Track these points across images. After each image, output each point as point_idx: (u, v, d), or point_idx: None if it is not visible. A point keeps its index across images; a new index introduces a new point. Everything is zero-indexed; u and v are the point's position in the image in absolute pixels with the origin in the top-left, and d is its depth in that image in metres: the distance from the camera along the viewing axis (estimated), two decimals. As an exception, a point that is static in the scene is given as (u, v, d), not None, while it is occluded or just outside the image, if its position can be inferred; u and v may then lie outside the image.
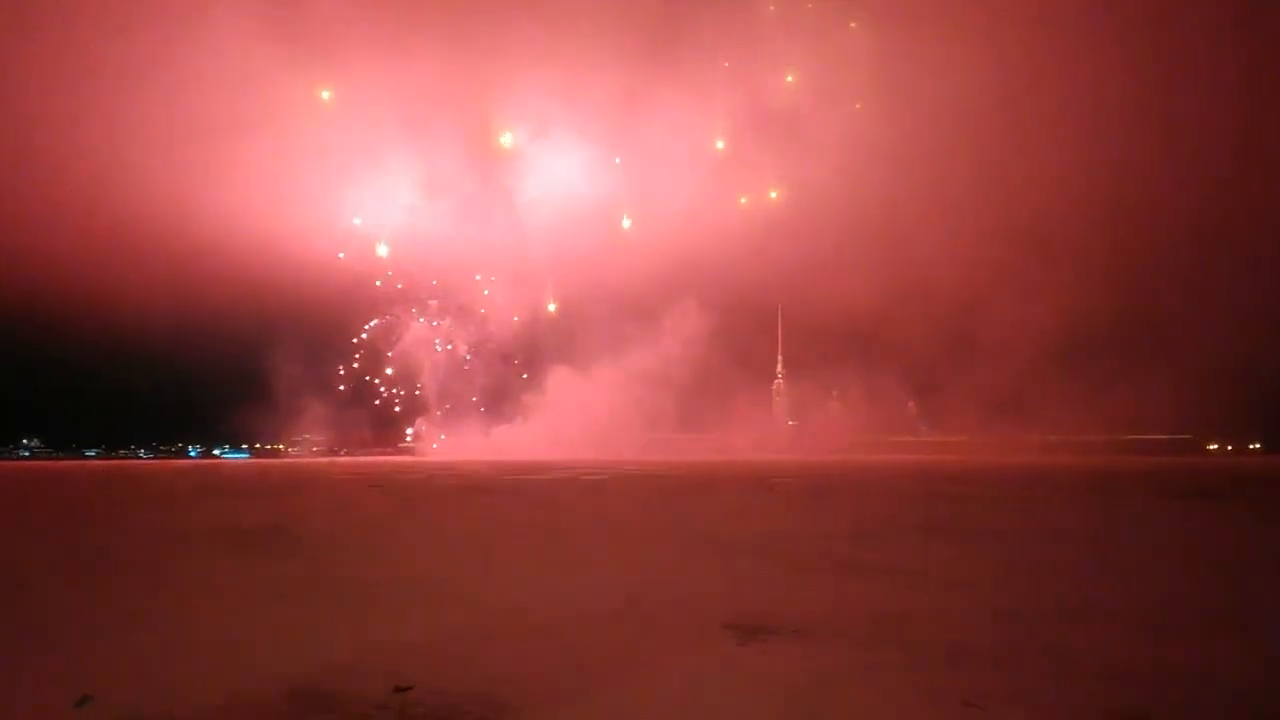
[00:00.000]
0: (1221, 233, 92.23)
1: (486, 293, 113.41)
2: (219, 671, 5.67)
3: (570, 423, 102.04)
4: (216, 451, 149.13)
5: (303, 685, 5.27)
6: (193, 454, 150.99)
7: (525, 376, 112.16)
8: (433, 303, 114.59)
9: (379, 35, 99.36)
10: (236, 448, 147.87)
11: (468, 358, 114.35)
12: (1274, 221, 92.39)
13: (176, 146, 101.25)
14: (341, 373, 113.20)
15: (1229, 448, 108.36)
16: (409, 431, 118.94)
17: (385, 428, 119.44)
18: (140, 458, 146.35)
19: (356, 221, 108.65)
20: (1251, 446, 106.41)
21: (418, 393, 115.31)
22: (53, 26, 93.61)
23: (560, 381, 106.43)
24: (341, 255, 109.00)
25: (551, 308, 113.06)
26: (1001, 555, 11.15)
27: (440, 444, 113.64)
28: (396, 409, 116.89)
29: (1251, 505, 21.23)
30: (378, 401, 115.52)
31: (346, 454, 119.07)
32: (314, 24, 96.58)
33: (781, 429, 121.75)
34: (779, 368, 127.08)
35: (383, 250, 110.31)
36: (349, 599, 8.21)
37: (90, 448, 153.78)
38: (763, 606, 7.49)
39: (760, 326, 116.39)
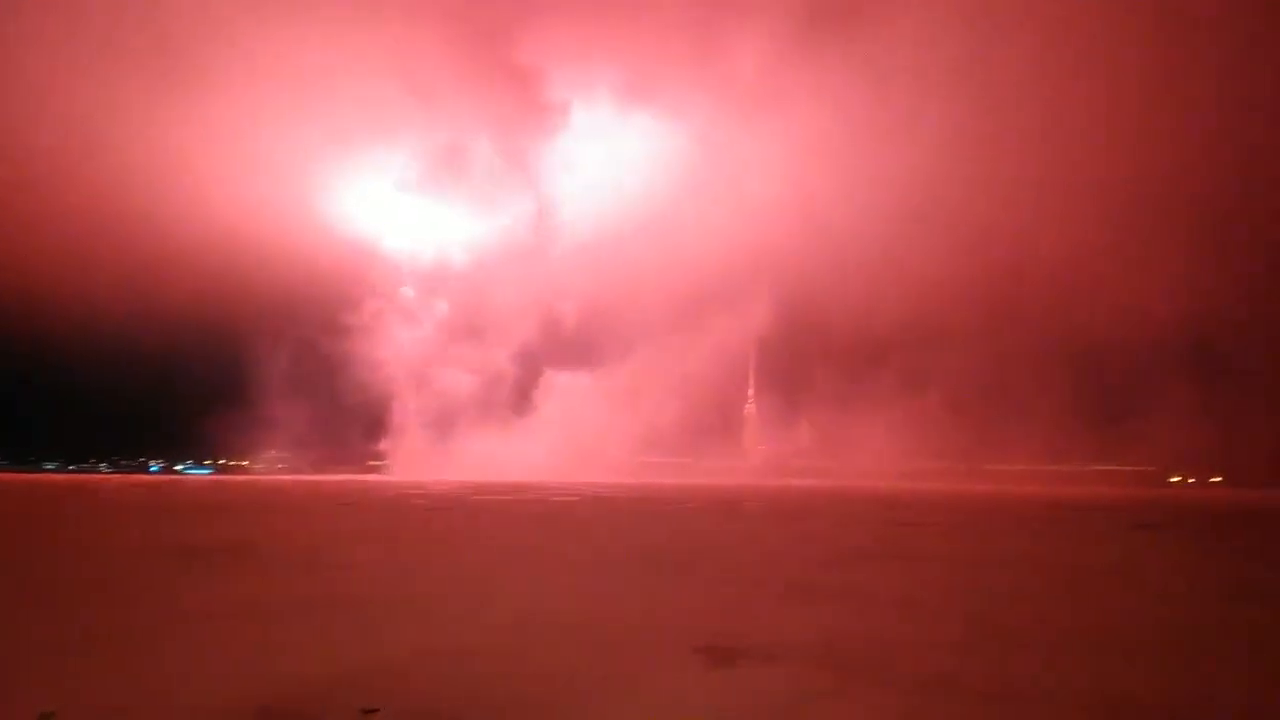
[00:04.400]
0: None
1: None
2: (186, 691, 5.62)
3: (551, 445, 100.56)
4: (179, 467, 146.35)
5: (270, 705, 5.24)
6: (154, 469, 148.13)
7: (510, 397, 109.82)
8: (412, 315, 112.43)
9: None
10: (200, 463, 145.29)
11: (445, 378, 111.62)
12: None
13: (134, 143, 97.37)
14: (310, 391, 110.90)
15: (1190, 480, 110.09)
16: (379, 451, 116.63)
17: (355, 446, 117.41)
18: (101, 472, 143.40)
19: (349, 228, 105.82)
20: (1213, 480, 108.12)
21: (390, 413, 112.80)
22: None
23: (547, 400, 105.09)
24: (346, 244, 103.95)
25: (553, 323, 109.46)
26: (960, 584, 11.31)
27: (410, 464, 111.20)
28: (368, 428, 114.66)
29: (1196, 538, 21.74)
30: (348, 420, 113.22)
31: (314, 472, 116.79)
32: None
33: (754, 453, 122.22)
34: (750, 392, 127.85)
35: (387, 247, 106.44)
36: (316, 619, 8.15)
37: (49, 460, 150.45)
38: (733, 632, 7.55)
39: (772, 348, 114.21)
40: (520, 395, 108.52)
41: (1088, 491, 66.42)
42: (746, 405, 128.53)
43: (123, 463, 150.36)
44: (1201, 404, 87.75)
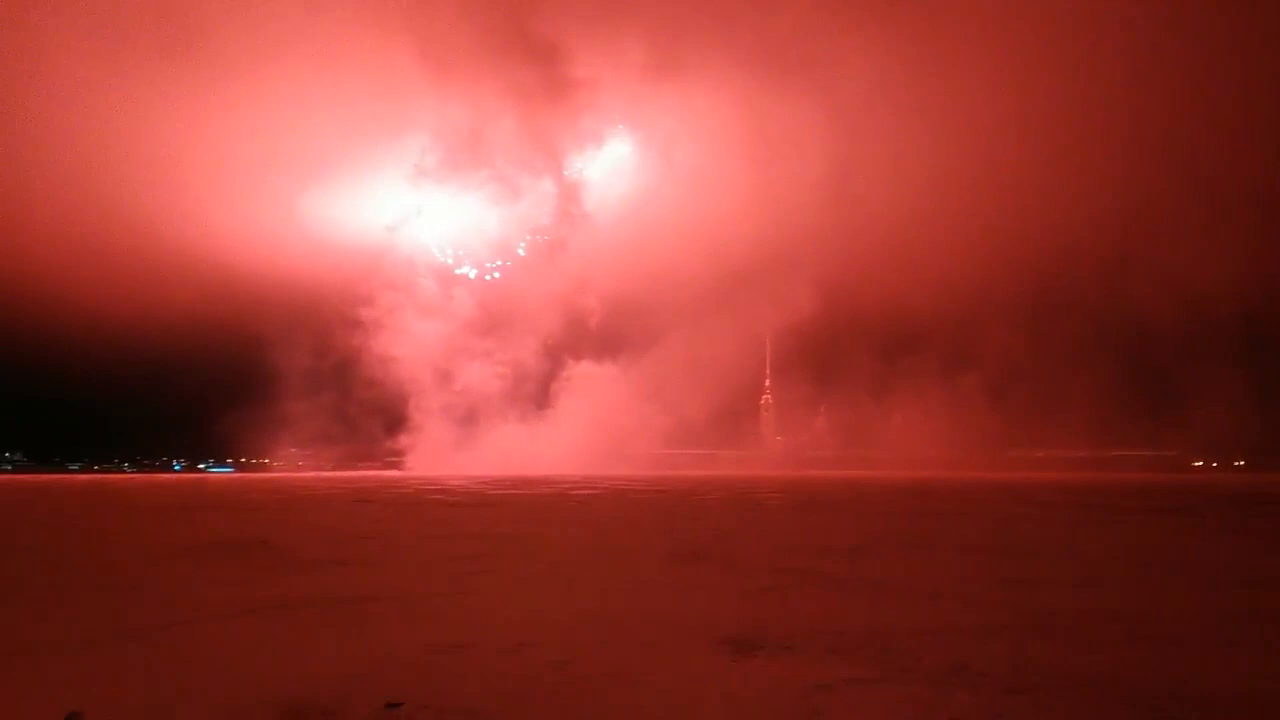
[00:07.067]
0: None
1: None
2: (210, 689, 5.67)
3: (574, 438, 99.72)
4: (201, 466, 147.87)
5: (295, 702, 5.27)
6: (177, 468, 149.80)
7: (531, 390, 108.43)
8: (430, 308, 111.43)
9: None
10: (221, 462, 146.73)
11: (465, 371, 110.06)
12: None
13: (141, 129, 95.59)
14: (329, 386, 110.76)
15: (1214, 465, 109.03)
16: (398, 446, 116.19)
17: (375, 442, 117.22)
18: (124, 471, 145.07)
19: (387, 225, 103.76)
20: (1236, 464, 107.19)
21: (409, 407, 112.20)
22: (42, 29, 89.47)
23: (569, 392, 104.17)
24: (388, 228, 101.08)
25: (581, 314, 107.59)
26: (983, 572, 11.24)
27: (430, 458, 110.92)
28: (388, 423, 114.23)
29: (1224, 520, 21.63)
30: (367, 415, 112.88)
31: (333, 469, 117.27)
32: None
33: (772, 444, 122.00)
34: (766, 383, 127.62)
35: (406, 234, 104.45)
36: (341, 615, 8.20)
37: (73, 461, 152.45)
38: (753, 622, 7.54)
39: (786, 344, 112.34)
40: (542, 388, 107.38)
41: (1111, 477, 65.81)
42: (763, 396, 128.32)
43: (145, 462, 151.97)
44: (1233, 389, 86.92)
